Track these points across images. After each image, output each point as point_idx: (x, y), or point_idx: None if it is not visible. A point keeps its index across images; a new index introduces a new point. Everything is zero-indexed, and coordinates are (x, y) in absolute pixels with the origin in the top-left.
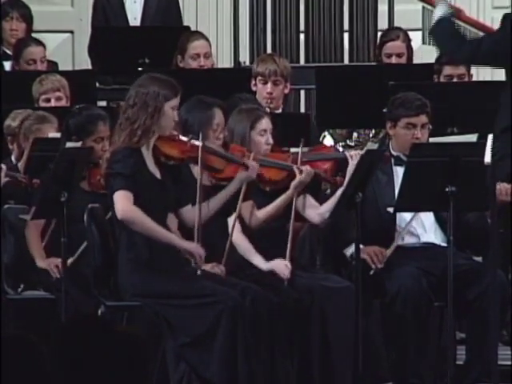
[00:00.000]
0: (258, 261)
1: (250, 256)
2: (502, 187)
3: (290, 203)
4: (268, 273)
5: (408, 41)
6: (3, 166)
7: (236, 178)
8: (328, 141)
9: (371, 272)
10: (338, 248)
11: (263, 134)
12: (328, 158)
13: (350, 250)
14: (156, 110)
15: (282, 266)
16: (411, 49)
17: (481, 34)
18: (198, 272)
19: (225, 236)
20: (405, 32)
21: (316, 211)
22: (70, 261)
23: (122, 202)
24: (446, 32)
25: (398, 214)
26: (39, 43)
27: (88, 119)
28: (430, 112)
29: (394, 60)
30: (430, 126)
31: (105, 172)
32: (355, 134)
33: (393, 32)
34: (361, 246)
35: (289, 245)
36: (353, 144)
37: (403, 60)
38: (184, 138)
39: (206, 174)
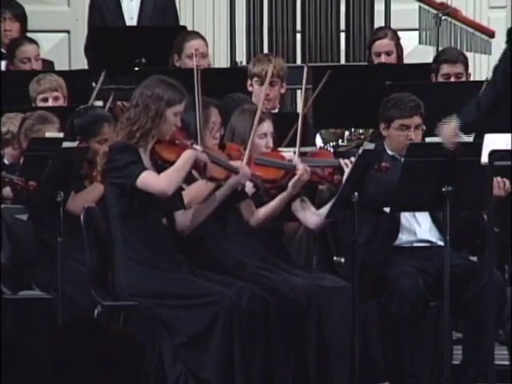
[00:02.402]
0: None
1: None
2: (500, 182)
3: (289, 203)
4: (266, 273)
5: (397, 39)
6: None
7: (227, 184)
8: (317, 141)
9: None
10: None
11: (263, 137)
12: (323, 166)
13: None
14: (157, 114)
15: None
16: (401, 47)
17: (477, 33)
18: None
19: (222, 236)
20: (393, 30)
21: (313, 216)
22: None
23: (153, 182)
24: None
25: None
26: (32, 41)
27: (93, 120)
28: (423, 113)
29: (383, 58)
30: (424, 127)
31: (105, 166)
32: (347, 133)
33: (381, 31)
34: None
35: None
36: (345, 143)
37: (392, 58)
38: (187, 142)
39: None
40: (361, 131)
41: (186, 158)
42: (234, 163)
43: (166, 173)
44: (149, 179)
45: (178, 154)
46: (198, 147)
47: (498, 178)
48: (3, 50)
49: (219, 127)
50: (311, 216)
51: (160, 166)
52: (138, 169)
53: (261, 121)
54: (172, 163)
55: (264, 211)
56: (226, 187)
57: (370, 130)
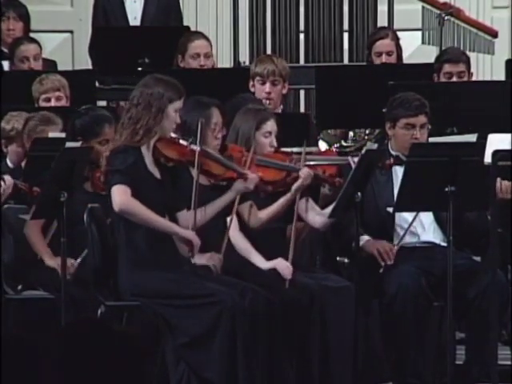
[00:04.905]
0: (258, 260)
1: (249, 255)
2: (502, 185)
3: (292, 205)
4: (268, 273)
5: (397, 39)
6: (8, 178)
7: (233, 188)
8: (321, 145)
9: (381, 270)
10: (341, 244)
11: (268, 135)
12: (331, 163)
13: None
14: (159, 110)
15: (283, 266)
16: (400, 48)
17: (480, 33)
18: (192, 261)
19: (223, 235)
20: (393, 31)
21: (317, 215)
22: (75, 263)
23: (119, 195)
24: None
25: (398, 214)
26: (33, 41)
27: (94, 120)
28: (428, 112)
29: (383, 58)
30: (429, 126)
31: (105, 169)
32: (351, 134)
33: (382, 31)
34: (366, 238)
35: (291, 248)
36: (349, 143)
37: (393, 58)
38: (184, 142)
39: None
40: (367, 132)
41: (162, 222)
42: (242, 168)
43: (136, 204)
44: (116, 192)
45: (178, 151)
46: (197, 147)
47: (505, 182)
48: (5, 50)
49: (221, 127)
50: (316, 216)
51: (163, 165)
52: (117, 179)
53: (265, 119)
54: (173, 160)
55: (266, 214)
56: (232, 192)
57: (377, 131)
